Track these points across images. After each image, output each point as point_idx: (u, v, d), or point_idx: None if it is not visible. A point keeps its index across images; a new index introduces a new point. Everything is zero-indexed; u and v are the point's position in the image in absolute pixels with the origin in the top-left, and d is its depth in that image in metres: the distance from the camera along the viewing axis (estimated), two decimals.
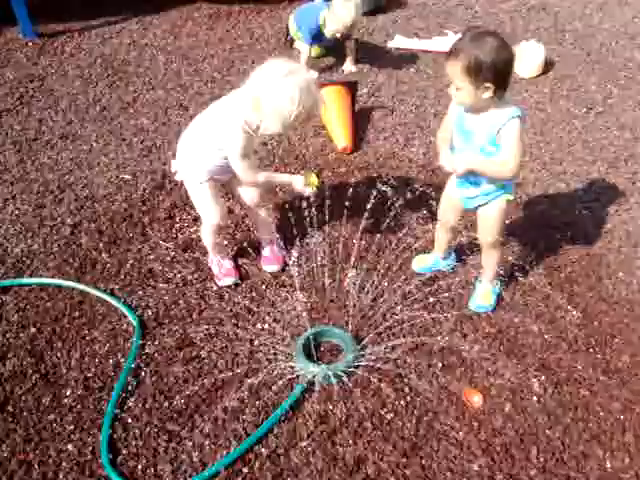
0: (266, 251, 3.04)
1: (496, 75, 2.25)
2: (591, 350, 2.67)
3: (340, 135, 3.82)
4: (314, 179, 2.76)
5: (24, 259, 3.08)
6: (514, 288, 2.93)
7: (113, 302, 2.82)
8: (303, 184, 2.73)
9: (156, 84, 4.50)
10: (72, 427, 2.35)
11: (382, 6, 5.56)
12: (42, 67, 4.73)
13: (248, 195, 2.85)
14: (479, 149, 2.43)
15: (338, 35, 4.49)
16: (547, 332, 2.73)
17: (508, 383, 2.50)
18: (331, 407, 2.41)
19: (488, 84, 2.25)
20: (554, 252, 3.13)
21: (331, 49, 4.85)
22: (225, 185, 2.87)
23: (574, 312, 2.82)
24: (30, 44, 5.00)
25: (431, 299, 2.81)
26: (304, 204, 2.94)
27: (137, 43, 5.05)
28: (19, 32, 5.08)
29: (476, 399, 2.43)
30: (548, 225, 3.29)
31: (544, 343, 2.68)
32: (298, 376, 2.49)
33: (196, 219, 3.17)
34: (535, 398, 2.46)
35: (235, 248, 3.10)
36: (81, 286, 2.91)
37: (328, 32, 4.50)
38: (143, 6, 5.55)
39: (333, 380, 2.46)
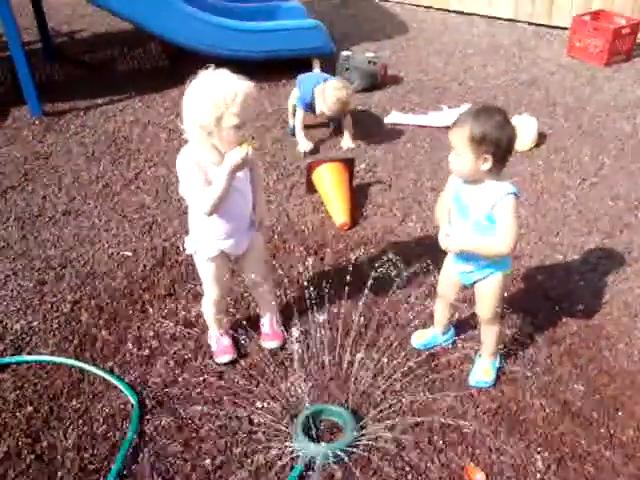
0: (266, 328, 3.04)
1: (497, 149, 2.34)
2: (594, 424, 2.64)
3: (338, 211, 3.88)
4: (245, 144, 2.46)
5: (24, 336, 3.09)
6: (514, 361, 2.91)
7: (112, 380, 2.81)
8: (237, 155, 2.44)
9: (158, 161, 4.59)
10: None
11: (377, 83, 5.72)
12: (47, 145, 4.84)
13: (255, 269, 2.86)
14: (475, 223, 2.48)
15: (328, 113, 4.63)
16: (549, 406, 2.70)
17: (511, 460, 2.46)
18: None
19: (488, 156, 2.34)
20: (553, 324, 3.13)
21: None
22: (232, 259, 2.84)
23: (576, 385, 2.80)
24: (37, 122, 5.13)
25: (431, 375, 2.80)
26: (304, 282, 2.96)
27: (140, 121, 5.18)
28: (27, 111, 5.22)
29: (479, 477, 2.39)
30: (546, 297, 3.31)
31: (546, 417, 2.65)
32: (298, 456, 2.45)
33: (196, 296, 3.19)
34: (539, 476, 2.42)
35: (234, 325, 3.09)
36: (80, 364, 2.90)
37: (317, 110, 4.66)
38: (146, 85, 5.72)
39: (333, 460, 2.42)
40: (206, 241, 2.69)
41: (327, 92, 4.55)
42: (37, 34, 6.41)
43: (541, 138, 4.86)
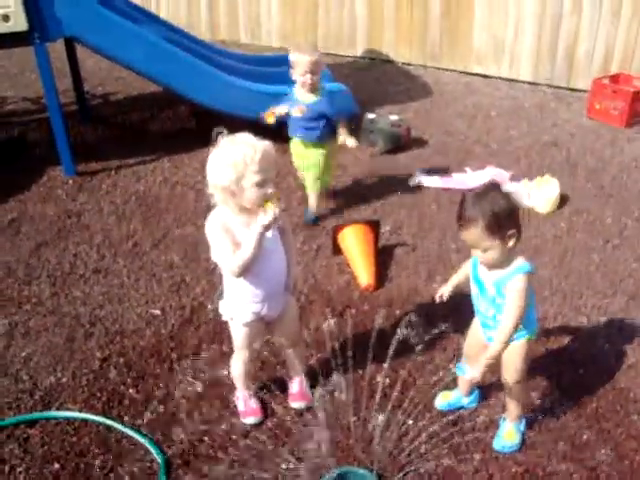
0: (294, 388, 3.07)
1: (512, 220, 2.38)
2: None
3: (363, 273, 3.94)
4: (270, 203, 2.53)
5: (53, 392, 3.14)
6: (540, 425, 2.90)
7: (139, 438, 2.84)
8: (265, 217, 2.50)
9: (186, 220, 4.71)
10: None
11: (402, 145, 5.84)
12: (80, 203, 4.99)
13: (289, 331, 2.92)
14: (491, 301, 2.52)
15: (307, 81, 4.30)
16: (576, 472, 2.68)
17: None
18: None
19: (511, 231, 2.37)
20: (579, 387, 3.12)
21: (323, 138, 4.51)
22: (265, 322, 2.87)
23: (603, 450, 2.77)
24: (70, 182, 5.29)
25: (456, 438, 2.78)
26: (329, 343, 2.99)
27: (169, 181, 5.33)
28: (61, 171, 5.39)
29: None
30: (571, 360, 3.30)
31: None
32: None
33: (223, 355, 3.23)
34: None
35: (261, 386, 3.12)
36: (108, 421, 2.94)
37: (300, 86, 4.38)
38: (174, 146, 5.89)
39: None
40: (241, 306, 2.74)
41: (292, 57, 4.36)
42: (73, 96, 6.66)
43: (563, 200, 4.90)
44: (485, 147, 5.95)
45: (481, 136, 6.16)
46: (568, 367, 3.25)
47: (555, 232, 4.54)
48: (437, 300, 2.74)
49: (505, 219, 2.35)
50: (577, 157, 5.70)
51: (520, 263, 2.45)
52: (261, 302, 2.73)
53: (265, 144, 2.51)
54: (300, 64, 4.29)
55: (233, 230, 2.56)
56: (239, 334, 2.82)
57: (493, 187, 2.46)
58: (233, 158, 2.44)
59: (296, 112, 4.34)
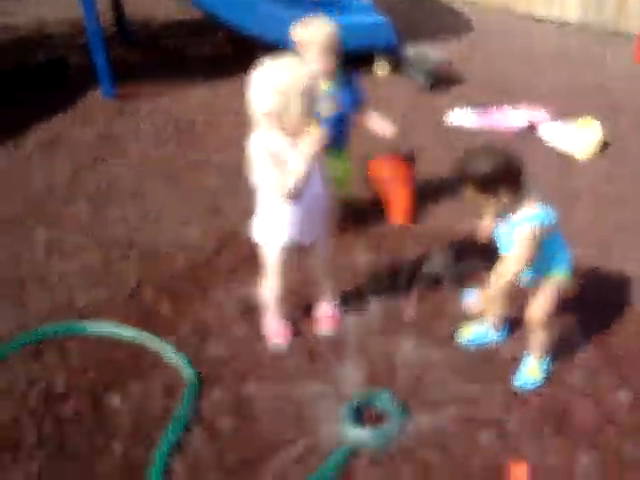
0: (325, 312, 3.14)
1: (502, 179, 2.43)
2: (639, 433, 2.64)
3: (397, 208, 3.94)
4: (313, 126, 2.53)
5: (89, 309, 3.24)
6: (562, 363, 2.93)
7: (172, 355, 2.94)
8: (314, 137, 2.50)
9: (224, 145, 4.71)
10: (120, 476, 2.43)
11: (441, 81, 5.73)
12: (119, 126, 5.05)
13: (324, 260, 2.98)
14: (507, 251, 2.59)
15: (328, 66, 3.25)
16: (595, 411, 2.72)
17: (553, 460, 2.50)
18: (375, 473, 2.45)
19: (504, 189, 2.44)
20: (605, 329, 3.13)
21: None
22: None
23: (622, 392, 2.81)
24: (109, 104, 5.33)
25: (479, 371, 2.85)
26: (361, 272, 3.02)
27: (207, 105, 5.34)
28: (100, 93, 5.42)
29: (521, 474, 2.43)
30: (598, 304, 3.29)
31: (592, 422, 2.67)
32: (345, 440, 2.55)
33: (257, 279, 3.30)
34: (581, 478, 2.45)
35: (291, 310, 3.17)
36: (143, 336, 3.04)
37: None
38: (213, 71, 5.87)
39: (379, 446, 2.51)
40: (277, 230, 2.75)
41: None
42: (113, 19, 6.63)
43: (604, 145, 4.80)
44: (527, 88, 5.82)
45: (524, 77, 6.02)
46: (596, 310, 3.25)
47: (593, 178, 4.47)
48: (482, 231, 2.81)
49: (495, 179, 2.42)
50: (621, 102, 5.56)
51: (530, 212, 2.49)
52: (298, 226, 2.74)
53: (310, 70, 2.52)
54: (313, 43, 3.20)
55: (277, 152, 2.55)
56: (272, 258, 2.84)
57: (484, 150, 2.53)
58: (279, 83, 2.43)
59: (329, 110, 3.29)
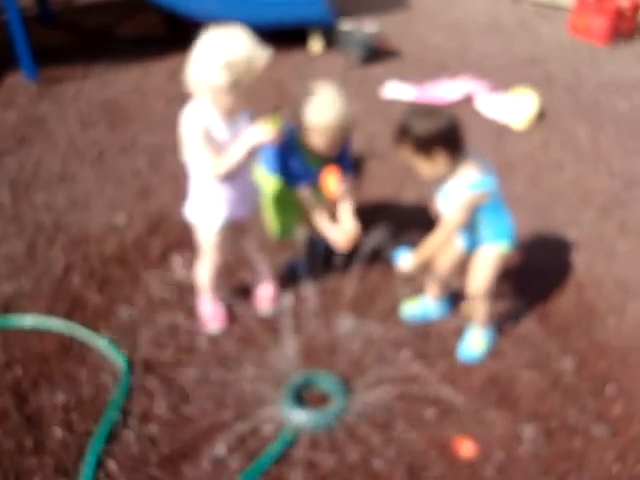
0: (263, 292, 3.04)
1: (440, 141, 2.36)
2: (583, 399, 2.64)
3: (331, 181, 3.83)
4: (270, 121, 2.43)
5: (14, 299, 3.06)
6: (505, 335, 2.91)
7: (101, 344, 2.80)
8: (262, 133, 2.40)
9: (154, 128, 4.55)
10: (53, 473, 2.30)
11: (375, 56, 5.66)
12: (43, 110, 4.80)
13: (260, 235, 2.89)
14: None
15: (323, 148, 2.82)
16: (539, 380, 2.70)
17: (499, 432, 2.46)
18: (319, 456, 2.36)
19: (438, 153, 2.37)
20: (545, 299, 3.13)
21: None
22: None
23: (565, 360, 2.80)
24: (32, 88, 5.07)
25: (422, 346, 2.79)
26: (296, 249, 2.94)
27: (138, 88, 5.14)
28: (22, 76, 5.16)
29: (467, 449, 2.39)
30: (539, 272, 3.30)
31: (536, 391, 2.65)
32: (286, 423, 2.46)
33: (189, 261, 3.16)
34: (527, 447, 2.42)
35: (225, 293, 3.07)
36: (70, 327, 2.89)
37: (313, 148, 2.83)
38: (145, 51, 5.66)
39: (321, 427, 2.43)
40: (211, 209, 2.64)
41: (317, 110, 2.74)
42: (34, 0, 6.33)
43: (539, 116, 4.82)
44: (462, 61, 5.81)
45: (458, 50, 6.01)
46: (536, 279, 3.25)
47: (530, 148, 4.48)
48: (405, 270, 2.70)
49: (431, 139, 2.35)
50: (555, 74, 5.61)
51: (470, 179, 2.42)
52: (231, 205, 2.64)
53: (268, 52, 2.35)
54: (327, 131, 2.74)
55: (210, 127, 2.44)
56: (207, 239, 2.73)
57: (427, 110, 2.48)
58: (234, 57, 2.27)
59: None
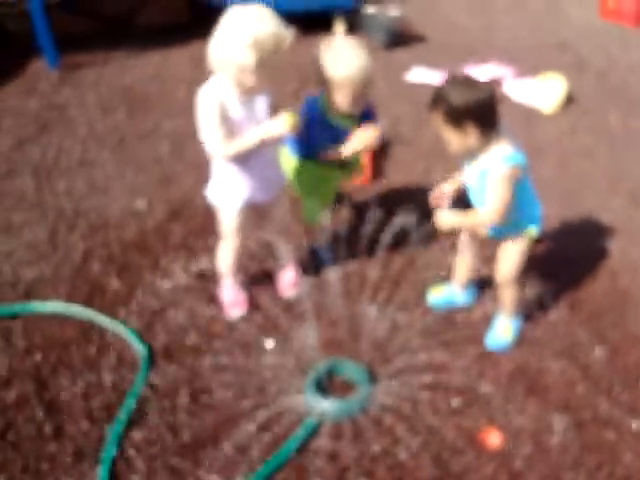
0: (285, 278, 2.99)
1: (474, 115, 2.23)
2: (615, 390, 2.54)
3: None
4: (286, 114, 2.42)
5: (35, 285, 3.04)
6: (535, 324, 2.82)
7: (122, 331, 2.77)
8: (277, 126, 2.40)
9: (175, 113, 4.51)
10: (72, 459, 2.27)
11: (400, 40, 5.56)
12: (64, 96, 4.78)
13: (282, 219, 2.81)
14: (479, 193, 2.42)
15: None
16: (569, 370, 2.61)
17: (528, 423, 2.38)
18: (342, 445, 2.30)
19: (470, 127, 2.24)
20: (576, 287, 3.03)
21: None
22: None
23: (597, 350, 2.71)
24: (53, 75, 5.05)
25: (449, 334, 2.72)
26: (321, 235, 2.88)
27: (159, 74, 5.10)
28: (44, 63, 5.14)
29: (494, 439, 2.32)
30: (569, 259, 3.20)
31: (566, 381, 2.57)
32: (308, 411, 2.40)
33: (211, 249, 3.11)
34: (557, 438, 2.34)
35: (247, 279, 3.02)
36: (90, 314, 2.86)
37: (339, 106, 2.82)
38: (166, 38, 5.62)
39: (345, 417, 2.37)
40: (232, 191, 2.60)
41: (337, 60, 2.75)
42: None
43: (569, 100, 4.70)
44: (489, 45, 5.68)
45: (485, 33, 5.89)
46: (566, 266, 3.15)
47: (558, 132, 4.37)
48: (436, 195, 2.59)
49: (464, 112, 2.23)
50: (585, 57, 5.46)
51: (504, 152, 2.31)
52: (253, 187, 2.58)
53: (291, 32, 2.32)
54: (349, 83, 2.74)
55: (227, 106, 2.39)
56: (228, 220, 2.68)
57: (467, 77, 2.35)
58: (261, 36, 2.23)
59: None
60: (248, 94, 2.42)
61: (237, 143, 2.42)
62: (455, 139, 2.32)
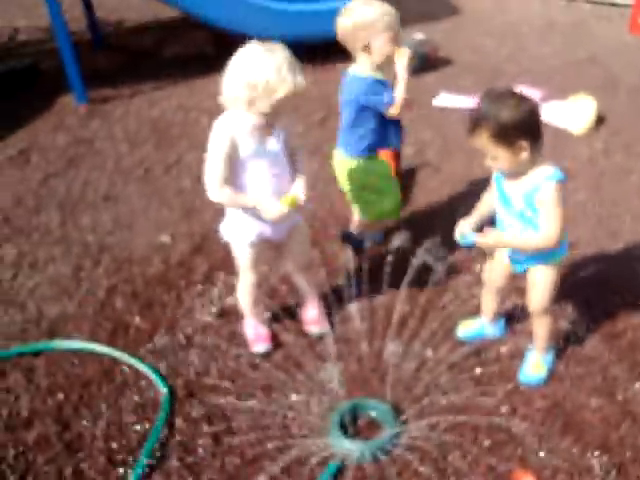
0: (309, 313, 2.91)
1: (525, 130, 2.13)
2: None
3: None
4: (290, 199, 2.47)
5: (58, 322, 3.02)
6: (569, 357, 2.70)
7: (143, 369, 2.72)
8: (276, 207, 2.43)
9: (199, 145, 4.46)
10: None
11: (427, 65, 5.50)
12: (91, 131, 4.82)
13: (300, 254, 2.75)
14: (519, 215, 2.29)
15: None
16: (607, 406, 2.48)
17: (564, 464, 2.26)
18: None
19: (522, 142, 2.12)
20: (612, 317, 2.89)
21: None
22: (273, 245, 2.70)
23: (637, 384, 2.57)
24: (82, 109, 5.10)
25: (478, 370, 2.62)
26: (344, 268, 2.81)
27: (183, 106, 5.12)
28: (72, 99, 5.20)
29: None
30: (605, 288, 3.06)
31: (604, 419, 2.43)
32: (333, 454, 2.31)
33: (233, 285, 3.07)
34: None
35: (270, 315, 2.97)
36: (113, 352, 2.82)
37: (379, 58, 2.86)
38: (191, 71, 5.65)
39: (369, 459, 2.28)
40: (243, 226, 2.56)
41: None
42: (85, 24, 6.41)
43: (600, 120, 4.57)
44: (516, 65, 5.59)
45: (512, 54, 5.79)
46: (602, 295, 3.02)
47: (590, 154, 4.24)
48: (458, 235, 2.47)
49: (515, 129, 2.10)
50: (617, 75, 5.33)
51: (549, 171, 2.20)
52: (264, 222, 2.52)
53: (298, 80, 2.28)
54: (381, 25, 2.80)
55: (238, 141, 2.39)
56: (242, 256, 2.64)
57: (509, 91, 2.21)
58: (254, 78, 2.22)
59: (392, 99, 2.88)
60: (260, 130, 2.39)
61: (231, 195, 2.43)
62: (506, 157, 2.17)
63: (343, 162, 3.07)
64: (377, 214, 3.23)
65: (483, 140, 2.16)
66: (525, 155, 2.15)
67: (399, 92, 2.84)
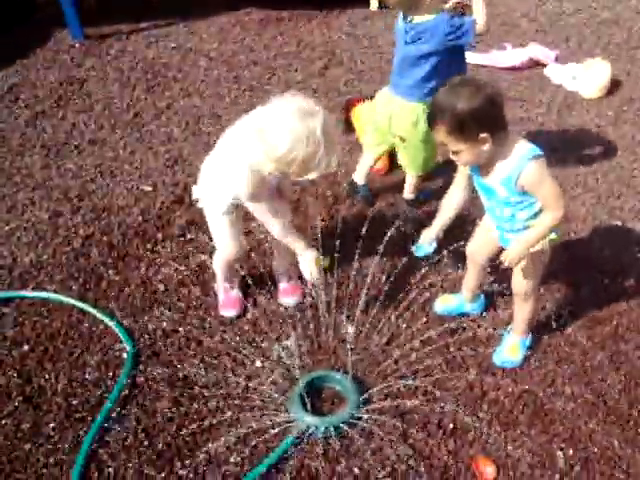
0: (284, 283, 2.82)
1: (484, 122, 1.98)
2: (631, 423, 2.31)
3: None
4: (324, 261, 2.49)
5: (32, 270, 2.95)
6: (548, 341, 2.59)
7: (111, 325, 2.65)
8: (313, 261, 2.44)
9: (193, 91, 4.34)
10: (45, 460, 2.20)
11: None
12: (84, 70, 4.65)
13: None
14: (504, 202, 2.16)
15: None
16: (581, 396, 2.39)
17: (528, 455, 2.18)
18: (323, 465, 2.15)
19: (483, 135, 1.99)
20: (599, 301, 2.77)
21: None
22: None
23: (615, 375, 2.47)
24: (77, 46, 4.92)
25: (451, 348, 2.52)
26: (322, 233, 2.70)
27: (181, 47, 4.92)
28: (68, 34, 5.01)
29: (489, 470, 2.13)
30: (596, 268, 2.93)
31: (576, 409, 2.35)
32: (291, 426, 2.24)
33: (211, 240, 2.97)
34: (558, 476, 2.13)
35: (242, 280, 2.83)
36: (81, 304, 2.75)
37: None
38: (193, 10, 5.43)
39: (328, 434, 2.21)
40: (221, 192, 2.44)
41: None
42: None
43: (615, 86, 4.35)
44: (532, 22, 5.33)
45: (529, 9, 5.51)
46: (591, 276, 2.89)
47: (599, 122, 4.04)
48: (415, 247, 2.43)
49: (472, 121, 1.97)
50: (639, 38, 5.04)
51: (522, 150, 2.05)
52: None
53: (327, 160, 2.17)
54: None
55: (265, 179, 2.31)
56: (216, 225, 2.56)
57: (464, 82, 2.06)
58: (306, 151, 2.08)
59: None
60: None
61: (284, 229, 2.45)
62: (468, 151, 2.05)
63: (408, 108, 2.90)
64: (430, 164, 3.14)
65: (441, 136, 2.05)
66: (488, 147, 2.02)
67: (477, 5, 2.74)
